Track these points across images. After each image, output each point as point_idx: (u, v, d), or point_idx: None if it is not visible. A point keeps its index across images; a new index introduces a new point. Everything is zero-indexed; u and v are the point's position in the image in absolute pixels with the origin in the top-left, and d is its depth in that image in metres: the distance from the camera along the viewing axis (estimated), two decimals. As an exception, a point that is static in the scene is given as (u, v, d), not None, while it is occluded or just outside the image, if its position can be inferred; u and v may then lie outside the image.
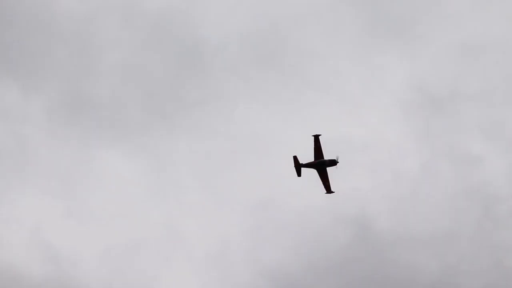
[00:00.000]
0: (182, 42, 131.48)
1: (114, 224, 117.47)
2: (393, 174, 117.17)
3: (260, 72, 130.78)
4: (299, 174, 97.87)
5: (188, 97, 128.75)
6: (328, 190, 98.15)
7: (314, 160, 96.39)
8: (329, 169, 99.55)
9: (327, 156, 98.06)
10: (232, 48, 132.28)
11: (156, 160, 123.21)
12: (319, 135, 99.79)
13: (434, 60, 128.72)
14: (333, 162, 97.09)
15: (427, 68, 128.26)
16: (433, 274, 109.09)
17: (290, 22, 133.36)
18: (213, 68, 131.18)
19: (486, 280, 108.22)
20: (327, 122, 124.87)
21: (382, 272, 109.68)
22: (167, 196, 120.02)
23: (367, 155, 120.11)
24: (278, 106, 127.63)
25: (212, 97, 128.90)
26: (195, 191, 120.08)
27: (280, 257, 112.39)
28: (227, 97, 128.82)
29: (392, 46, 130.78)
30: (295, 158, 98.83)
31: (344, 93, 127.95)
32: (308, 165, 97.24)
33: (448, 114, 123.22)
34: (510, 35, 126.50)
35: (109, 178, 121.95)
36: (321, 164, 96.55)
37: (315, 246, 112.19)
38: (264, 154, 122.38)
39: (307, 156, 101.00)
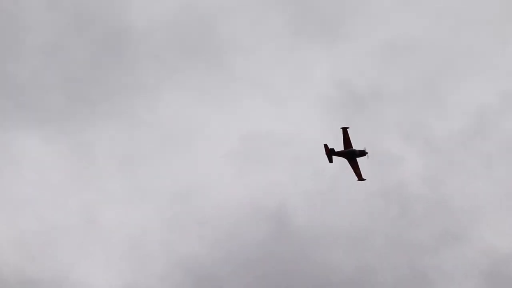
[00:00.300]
0: (107, 27, 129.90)
1: (31, 209, 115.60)
2: (313, 170, 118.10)
3: (186, 62, 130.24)
4: (330, 161, 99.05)
5: (112, 84, 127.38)
6: (360, 177, 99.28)
7: (344, 149, 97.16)
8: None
9: (356, 146, 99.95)
10: (159, 35, 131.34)
11: (76, 146, 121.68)
12: (347, 127, 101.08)
13: (358, 58, 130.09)
14: (363, 153, 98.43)
15: (351, 66, 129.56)
16: (348, 271, 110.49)
17: (218, 13, 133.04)
18: (138, 55, 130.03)
19: (399, 278, 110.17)
20: (251, 115, 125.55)
21: (299, 267, 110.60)
22: (86, 183, 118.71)
23: (288, 150, 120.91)
24: (202, 96, 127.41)
25: (137, 84, 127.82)
26: (116, 179, 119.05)
27: (197, 248, 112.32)
28: (151, 85, 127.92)
29: (317, 43, 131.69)
30: (325, 146, 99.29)
31: (268, 87, 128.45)
32: (338, 153, 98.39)
33: (370, 113, 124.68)
34: (433, 36, 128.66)
35: (27, 162, 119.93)
36: (351, 154, 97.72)
37: (233, 239, 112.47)
38: (187, 145, 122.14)
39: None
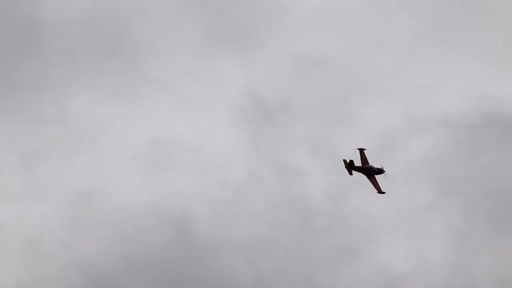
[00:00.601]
0: (18, 19, 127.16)
1: None
2: (218, 179, 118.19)
3: (98, 60, 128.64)
4: (350, 173, 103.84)
5: (19, 78, 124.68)
6: (379, 191, 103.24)
7: (362, 165, 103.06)
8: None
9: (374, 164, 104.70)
10: (72, 31, 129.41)
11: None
12: (364, 149, 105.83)
13: (270, 70, 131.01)
14: (381, 171, 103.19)
15: (263, 77, 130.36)
16: (247, 282, 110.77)
17: (135, 13, 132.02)
18: (48, 50, 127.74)
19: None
20: (161, 120, 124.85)
21: (197, 275, 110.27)
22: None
23: (196, 157, 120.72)
24: (113, 97, 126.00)
25: (45, 79, 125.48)
26: (16, 175, 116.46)
27: (95, 250, 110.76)
28: (60, 81, 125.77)
29: (232, 51, 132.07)
30: (344, 161, 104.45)
31: (180, 92, 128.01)
32: (357, 169, 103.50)
33: (279, 125, 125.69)
34: (345, 53, 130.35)
35: None
36: (369, 170, 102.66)
37: (133, 242, 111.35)
38: (93, 145, 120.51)
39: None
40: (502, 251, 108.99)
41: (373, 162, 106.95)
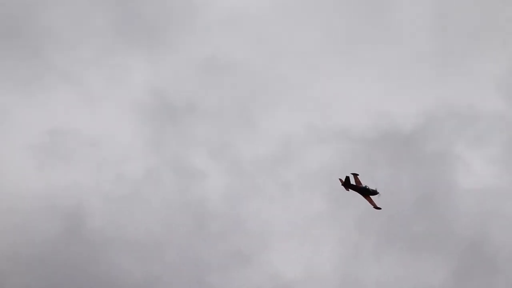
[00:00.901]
0: None
1: None
2: (116, 175, 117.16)
3: (1, 46, 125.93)
4: (347, 189, 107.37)
5: None
6: (375, 207, 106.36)
7: (357, 185, 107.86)
8: None
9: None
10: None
11: None
12: (357, 174, 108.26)
13: (177, 69, 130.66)
14: (375, 192, 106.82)
15: (170, 76, 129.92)
16: (136, 280, 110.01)
17: (42, 1, 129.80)
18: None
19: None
20: (61, 111, 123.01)
21: (87, 269, 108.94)
22: None
23: (94, 151, 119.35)
24: (13, 84, 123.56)
25: None
26: None
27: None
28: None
29: (140, 47, 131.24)
30: (340, 180, 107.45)
31: (83, 85, 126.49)
32: (353, 187, 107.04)
33: (181, 126, 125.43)
34: (253, 60, 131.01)
35: None
36: (364, 191, 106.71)
37: (21, 233, 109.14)
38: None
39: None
40: (390, 265, 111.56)
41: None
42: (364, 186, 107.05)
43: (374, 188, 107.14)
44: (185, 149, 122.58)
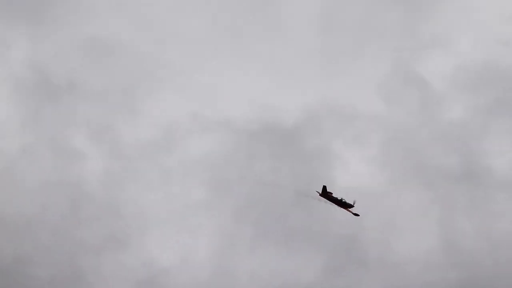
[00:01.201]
0: None
1: None
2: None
3: None
4: (325, 198, 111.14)
5: None
6: (354, 214, 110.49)
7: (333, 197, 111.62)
8: None
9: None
10: None
11: None
12: (326, 186, 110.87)
13: (60, 47, 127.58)
14: (351, 205, 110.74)
15: (51, 54, 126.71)
16: (6, 259, 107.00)
17: None
18: None
19: (57, 274, 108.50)
20: None
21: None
22: None
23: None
24: None
25: None
26: None
27: None
28: None
29: (20, 22, 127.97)
30: (318, 192, 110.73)
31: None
32: (330, 198, 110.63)
33: (61, 105, 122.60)
34: (140, 43, 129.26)
35: None
36: (341, 203, 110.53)
37: None
38: None
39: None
40: (264, 257, 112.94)
41: None
42: (340, 198, 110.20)
43: (351, 203, 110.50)
44: (64, 129, 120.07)
